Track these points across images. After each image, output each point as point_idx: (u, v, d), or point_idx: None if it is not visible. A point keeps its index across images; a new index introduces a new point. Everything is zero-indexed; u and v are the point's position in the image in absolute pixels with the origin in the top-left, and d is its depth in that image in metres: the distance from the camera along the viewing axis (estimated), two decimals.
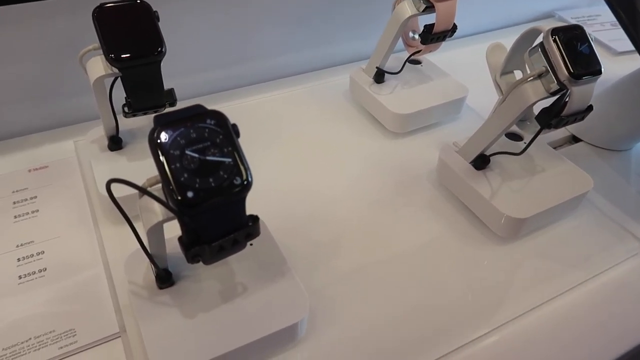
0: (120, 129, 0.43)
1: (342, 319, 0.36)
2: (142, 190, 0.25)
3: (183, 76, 0.54)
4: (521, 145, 0.43)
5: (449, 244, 0.42)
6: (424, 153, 0.50)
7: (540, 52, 0.36)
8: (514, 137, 0.46)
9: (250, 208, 0.43)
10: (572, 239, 0.43)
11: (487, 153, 0.43)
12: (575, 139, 0.55)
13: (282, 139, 0.52)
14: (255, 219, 0.28)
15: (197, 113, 0.26)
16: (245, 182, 0.26)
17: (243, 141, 0.51)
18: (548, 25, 0.36)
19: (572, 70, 0.34)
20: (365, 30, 0.63)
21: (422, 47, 0.50)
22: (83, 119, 0.51)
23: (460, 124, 0.54)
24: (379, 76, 0.52)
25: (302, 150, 0.51)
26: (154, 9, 0.37)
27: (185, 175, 0.25)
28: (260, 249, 0.36)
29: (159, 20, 0.37)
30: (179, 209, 0.24)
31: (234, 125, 0.27)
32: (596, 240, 0.43)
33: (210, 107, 0.55)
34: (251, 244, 0.36)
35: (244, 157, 0.26)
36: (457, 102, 0.53)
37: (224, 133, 0.26)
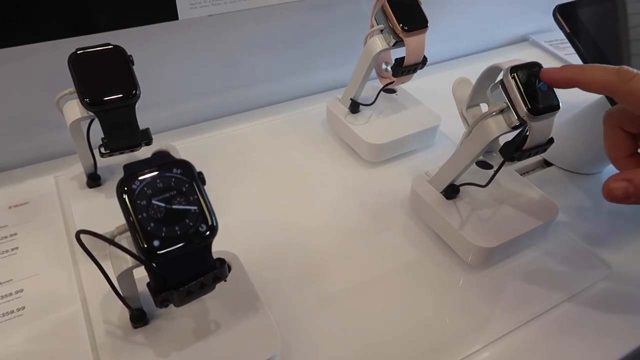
0: (98, 165, 0.44)
1: (318, 351, 0.37)
2: (109, 241, 0.25)
3: (161, 108, 0.56)
4: (490, 173, 0.44)
5: (424, 271, 0.43)
6: (399, 181, 0.51)
7: (501, 89, 0.38)
8: (485, 164, 0.48)
9: (227, 240, 0.45)
10: (543, 264, 0.44)
11: (457, 183, 0.44)
12: (546, 163, 0.57)
13: (259, 169, 0.53)
14: (222, 262, 0.29)
15: (165, 162, 0.27)
16: (210, 229, 0.27)
17: (221, 173, 0.53)
18: (508, 63, 0.38)
19: (530, 107, 0.36)
20: (344, 57, 0.64)
21: (394, 78, 0.51)
22: (64, 153, 0.52)
23: (434, 152, 0.56)
24: (354, 107, 0.54)
25: (280, 180, 0.52)
26: (129, 54, 0.38)
27: (152, 224, 0.26)
28: (234, 285, 0.36)
29: (133, 64, 0.38)
30: (146, 257, 0.25)
31: (200, 173, 0.28)
32: (566, 265, 0.45)
33: (188, 139, 0.57)
34: (225, 281, 0.37)
35: (210, 204, 0.27)
36: (430, 131, 0.54)
37: (189, 181, 0.27)
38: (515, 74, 0.37)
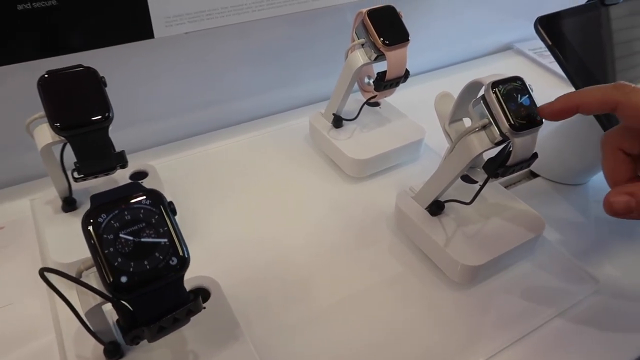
0: (73, 188, 0.43)
1: None
2: (72, 279, 0.24)
3: (140, 126, 0.55)
4: (476, 188, 0.43)
5: (409, 289, 0.43)
6: (384, 196, 0.51)
7: (483, 105, 0.37)
8: (471, 179, 0.47)
9: (209, 262, 0.44)
10: (531, 280, 0.44)
11: (442, 199, 0.44)
12: (533, 174, 0.56)
13: (241, 187, 0.52)
14: (196, 294, 0.27)
15: (133, 193, 0.26)
16: (182, 262, 0.26)
17: (202, 191, 0.51)
18: (489, 78, 0.37)
19: (512, 123, 0.35)
20: (329, 68, 0.63)
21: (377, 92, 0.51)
22: (41, 174, 0.51)
23: (419, 165, 0.55)
24: (337, 121, 0.53)
25: (263, 197, 0.51)
26: (102, 75, 0.37)
27: (119, 259, 0.25)
28: (213, 313, 0.35)
29: (105, 86, 0.37)
30: (113, 295, 0.24)
31: (170, 203, 0.27)
32: (554, 281, 0.44)
33: (168, 157, 0.56)
34: (204, 307, 0.36)
35: (181, 235, 0.26)
36: (414, 145, 0.53)
37: (159, 213, 0.26)
38: (496, 90, 0.36)
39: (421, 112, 0.56)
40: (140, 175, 0.47)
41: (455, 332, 0.40)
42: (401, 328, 0.40)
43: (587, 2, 0.49)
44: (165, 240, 0.26)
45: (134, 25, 0.43)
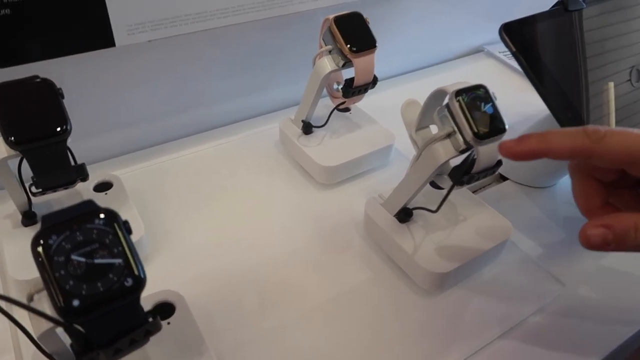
0: (34, 202, 0.41)
1: None
2: (20, 305, 0.23)
3: (104, 135, 0.53)
4: (444, 194, 0.44)
5: (379, 297, 0.43)
6: (354, 203, 0.50)
7: (447, 113, 0.37)
8: (439, 186, 0.47)
9: (176, 273, 0.43)
10: (499, 285, 0.44)
11: (410, 206, 0.44)
12: (502, 178, 0.57)
13: (210, 195, 0.51)
14: (155, 314, 0.27)
15: (86, 212, 0.26)
16: (137, 283, 0.25)
17: (169, 201, 0.51)
18: (453, 86, 0.37)
19: (476, 131, 0.35)
20: (301, 73, 0.63)
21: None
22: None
23: (389, 171, 0.55)
24: (307, 128, 0.52)
25: (231, 206, 0.50)
26: (58, 87, 0.36)
27: (71, 282, 0.24)
28: (178, 329, 0.35)
29: (63, 97, 0.36)
30: (65, 319, 0.23)
31: (126, 222, 0.26)
32: (521, 285, 0.44)
33: (134, 166, 0.55)
34: (169, 323, 0.36)
35: (137, 255, 0.26)
36: (384, 150, 0.53)
37: (113, 232, 0.25)
38: (460, 98, 0.36)
39: (393, 117, 0.56)
40: (105, 186, 0.46)
41: (424, 338, 0.40)
42: (370, 336, 0.40)
43: (551, 8, 0.50)
44: (120, 260, 0.25)
45: (94, 33, 0.42)
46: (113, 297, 0.24)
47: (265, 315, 0.41)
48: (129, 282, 0.25)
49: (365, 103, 0.57)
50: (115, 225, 0.26)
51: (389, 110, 0.57)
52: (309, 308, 0.41)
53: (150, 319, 0.27)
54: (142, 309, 0.26)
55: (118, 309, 0.25)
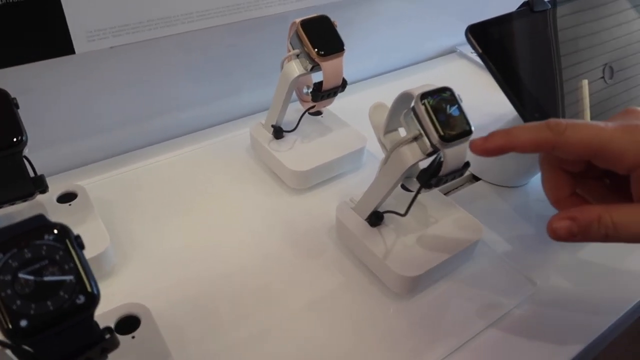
0: None
1: None
2: None
3: (67, 144, 0.52)
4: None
5: (351, 301, 0.42)
6: (326, 208, 0.50)
7: (413, 116, 0.37)
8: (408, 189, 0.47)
9: (144, 284, 0.42)
10: (471, 286, 0.44)
11: (381, 209, 0.43)
12: (475, 178, 0.57)
13: (180, 203, 0.50)
14: (111, 330, 0.26)
15: (36, 227, 0.25)
16: (90, 300, 0.24)
17: (137, 210, 0.49)
18: (419, 89, 0.37)
19: (442, 134, 0.35)
20: (273, 78, 0.62)
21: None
22: None
23: (362, 174, 0.55)
24: (277, 132, 0.52)
25: (202, 213, 0.49)
26: (13, 97, 0.35)
27: (19, 302, 0.23)
28: (143, 343, 0.34)
29: (18, 107, 0.35)
30: (12, 341, 0.23)
31: (77, 237, 0.25)
32: (494, 286, 0.44)
33: (100, 175, 0.54)
34: (133, 337, 0.35)
35: (90, 270, 0.25)
36: (356, 153, 0.53)
37: (64, 248, 0.24)
38: (425, 101, 0.36)
39: (365, 120, 0.55)
40: (69, 197, 0.45)
41: (397, 342, 0.39)
42: (348, 342, 0.39)
43: (517, 9, 0.50)
44: (71, 277, 0.24)
45: (52, 41, 0.41)
46: (64, 316, 0.23)
47: (237, 324, 0.40)
48: (81, 299, 0.24)
49: (337, 106, 0.57)
50: (67, 240, 0.25)
51: (361, 113, 0.57)
52: (282, 316, 0.41)
53: (108, 336, 0.26)
54: (97, 326, 0.25)
55: (70, 327, 0.24)
